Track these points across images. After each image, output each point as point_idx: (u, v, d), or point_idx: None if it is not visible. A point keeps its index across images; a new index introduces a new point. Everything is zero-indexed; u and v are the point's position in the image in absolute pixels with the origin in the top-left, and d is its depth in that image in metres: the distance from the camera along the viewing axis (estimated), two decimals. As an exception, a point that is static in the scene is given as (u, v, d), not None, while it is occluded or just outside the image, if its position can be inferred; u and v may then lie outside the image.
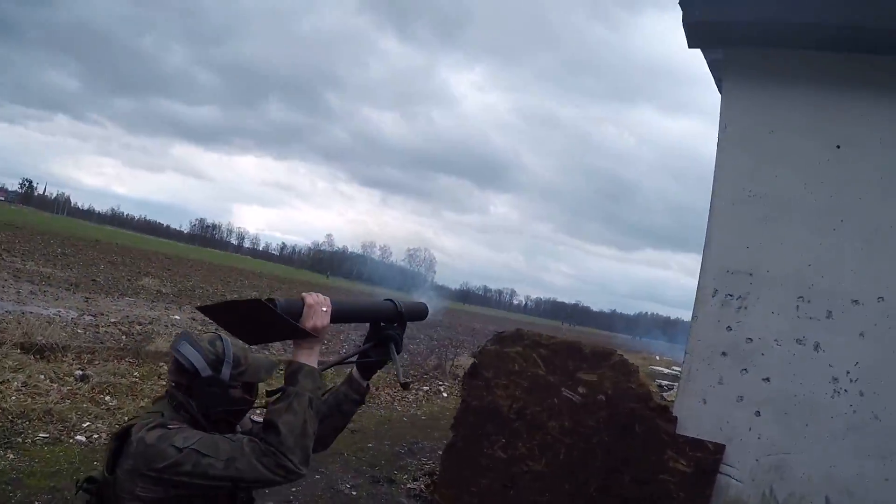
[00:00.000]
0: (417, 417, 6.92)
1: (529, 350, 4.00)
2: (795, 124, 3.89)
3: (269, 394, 1.81)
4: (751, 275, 3.78)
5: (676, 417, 3.82)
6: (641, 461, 3.86)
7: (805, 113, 3.90)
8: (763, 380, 3.74)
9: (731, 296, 3.78)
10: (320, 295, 1.76)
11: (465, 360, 11.35)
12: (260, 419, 1.90)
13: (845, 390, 3.73)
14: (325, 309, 1.73)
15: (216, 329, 1.95)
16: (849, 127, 3.84)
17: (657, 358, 35.82)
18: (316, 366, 1.74)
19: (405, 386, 1.87)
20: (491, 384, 4.08)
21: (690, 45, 4.12)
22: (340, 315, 1.82)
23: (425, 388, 8.84)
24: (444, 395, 8.80)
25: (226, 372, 1.79)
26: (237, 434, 1.74)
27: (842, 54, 3.89)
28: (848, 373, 3.73)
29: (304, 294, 1.75)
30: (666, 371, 26.21)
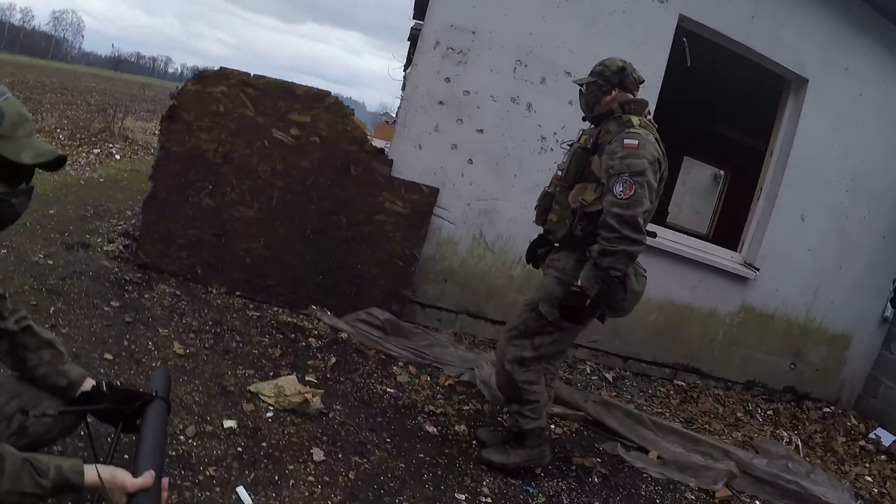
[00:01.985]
0: (95, 180, 6.19)
1: (236, 90, 3.68)
2: None
3: None
4: (474, 32, 3.79)
5: (392, 161, 3.77)
6: (358, 203, 3.78)
7: None
8: (477, 131, 3.81)
9: (452, 49, 3.77)
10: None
11: (133, 123, 10.61)
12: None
13: (551, 149, 3.92)
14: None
15: None
16: None
17: None
18: None
19: None
20: (193, 127, 3.70)
21: None
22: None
23: (96, 150, 7.95)
24: (118, 157, 8.00)
25: None
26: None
27: None
28: (555, 133, 3.93)
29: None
30: None
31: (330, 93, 3.76)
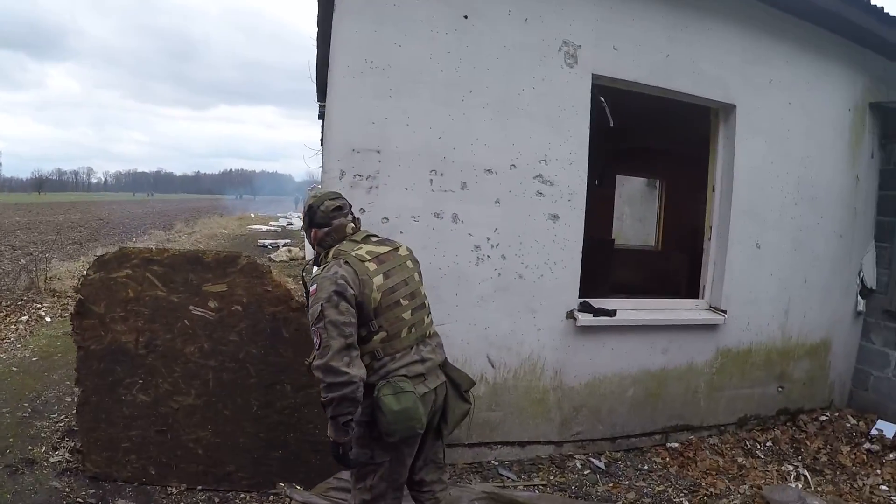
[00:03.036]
0: (28, 360, 5.69)
1: (141, 270, 3.41)
2: (421, -8, 3.54)
3: None
4: (379, 151, 3.50)
5: (323, 313, 3.51)
6: (299, 366, 3.52)
7: (431, -20, 3.58)
8: (406, 259, 3.56)
9: (360, 176, 3.48)
10: None
11: (61, 267, 9.61)
12: None
13: (488, 256, 3.70)
14: None
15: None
16: (477, -4, 3.67)
17: (252, 216, 35.44)
18: None
19: None
20: (106, 320, 3.43)
21: None
22: None
23: (24, 318, 7.19)
24: (48, 319, 7.30)
25: None
26: None
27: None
28: (489, 239, 3.70)
29: None
30: (265, 229, 25.50)
31: (241, 254, 3.50)
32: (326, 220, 2.52)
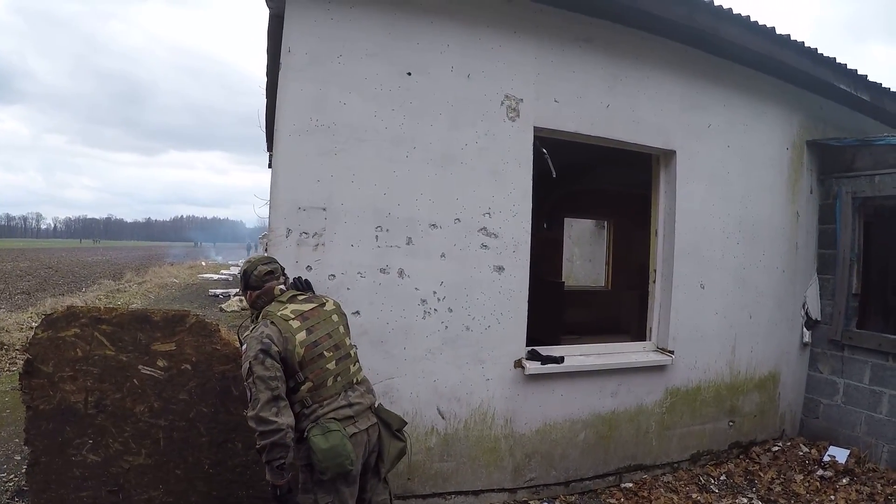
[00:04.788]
0: None
1: (90, 329, 3.45)
2: (364, 50, 3.63)
3: None
4: (324, 209, 3.57)
5: (272, 371, 3.56)
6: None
7: (374, 38, 3.66)
8: (353, 314, 3.63)
9: (306, 234, 3.55)
10: None
11: (8, 319, 9.45)
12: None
13: (435, 310, 3.78)
14: None
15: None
16: (420, 53, 3.77)
17: (203, 264, 35.84)
18: None
19: None
20: (55, 379, 3.45)
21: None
22: None
23: None
24: None
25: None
26: None
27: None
28: (435, 293, 3.78)
29: None
30: (216, 277, 25.81)
31: (189, 312, 3.55)
32: (259, 283, 2.81)
